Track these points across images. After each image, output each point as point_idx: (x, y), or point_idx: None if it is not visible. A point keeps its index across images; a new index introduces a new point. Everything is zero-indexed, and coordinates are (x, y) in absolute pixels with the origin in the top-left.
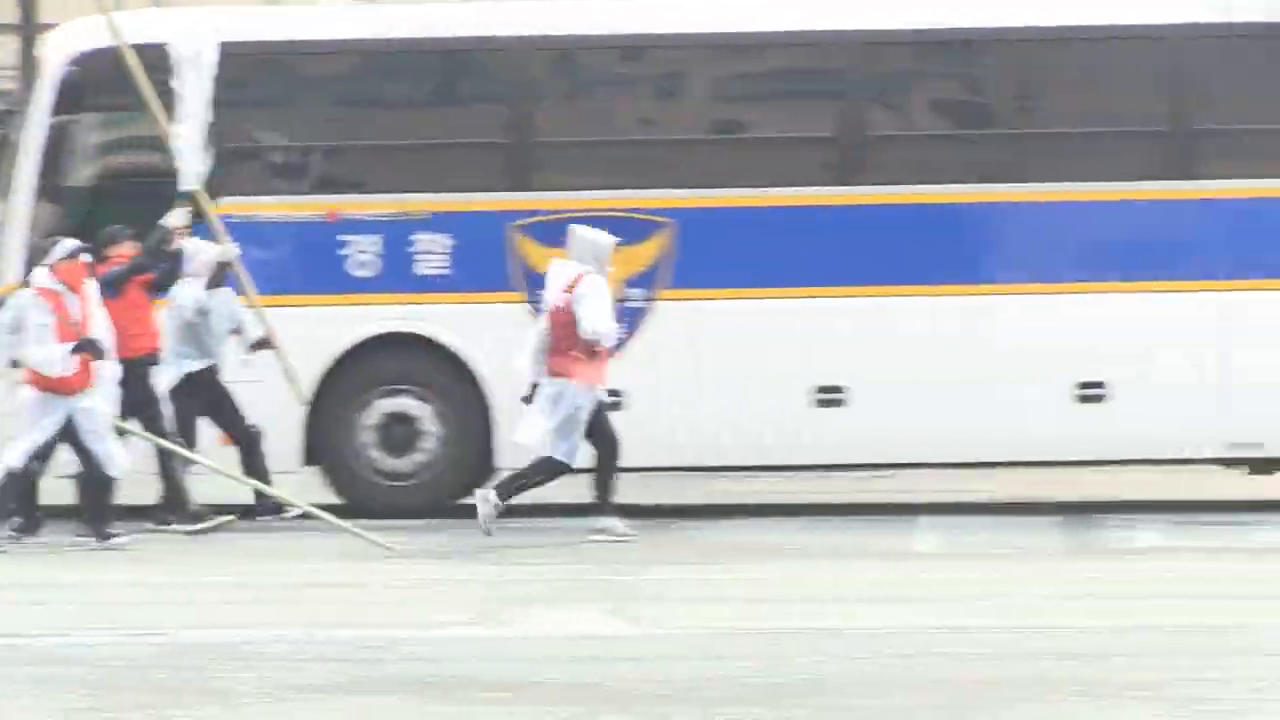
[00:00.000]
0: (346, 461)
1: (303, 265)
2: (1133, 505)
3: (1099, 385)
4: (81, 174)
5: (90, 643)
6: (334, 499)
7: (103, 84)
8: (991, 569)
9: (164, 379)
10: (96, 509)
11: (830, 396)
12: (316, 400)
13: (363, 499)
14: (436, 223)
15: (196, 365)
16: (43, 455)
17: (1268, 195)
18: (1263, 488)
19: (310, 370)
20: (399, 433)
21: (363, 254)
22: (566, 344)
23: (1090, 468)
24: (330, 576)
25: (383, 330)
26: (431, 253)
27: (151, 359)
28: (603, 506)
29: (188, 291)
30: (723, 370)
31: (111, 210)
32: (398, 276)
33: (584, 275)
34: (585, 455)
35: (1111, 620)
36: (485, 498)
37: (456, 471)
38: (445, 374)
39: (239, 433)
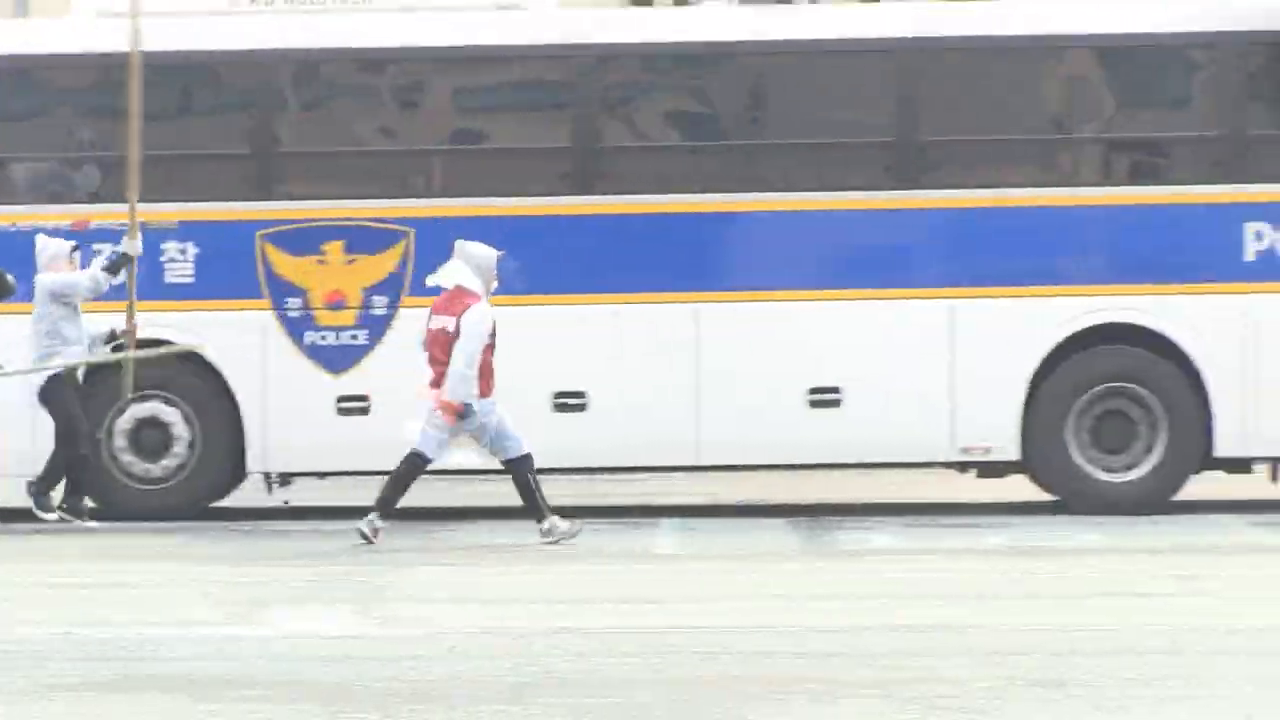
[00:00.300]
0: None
1: None
2: (867, 508)
3: (833, 391)
4: None
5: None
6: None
7: None
8: (730, 570)
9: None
10: None
11: (569, 402)
12: None
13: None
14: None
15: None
16: None
17: (990, 205)
18: (992, 491)
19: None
20: (151, 437)
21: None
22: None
23: (826, 471)
24: (88, 577)
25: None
26: (176, 261)
27: None
28: (541, 510)
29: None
30: None
31: None
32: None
33: (470, 307)
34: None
35: (847, 620)
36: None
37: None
38: (202, 380)
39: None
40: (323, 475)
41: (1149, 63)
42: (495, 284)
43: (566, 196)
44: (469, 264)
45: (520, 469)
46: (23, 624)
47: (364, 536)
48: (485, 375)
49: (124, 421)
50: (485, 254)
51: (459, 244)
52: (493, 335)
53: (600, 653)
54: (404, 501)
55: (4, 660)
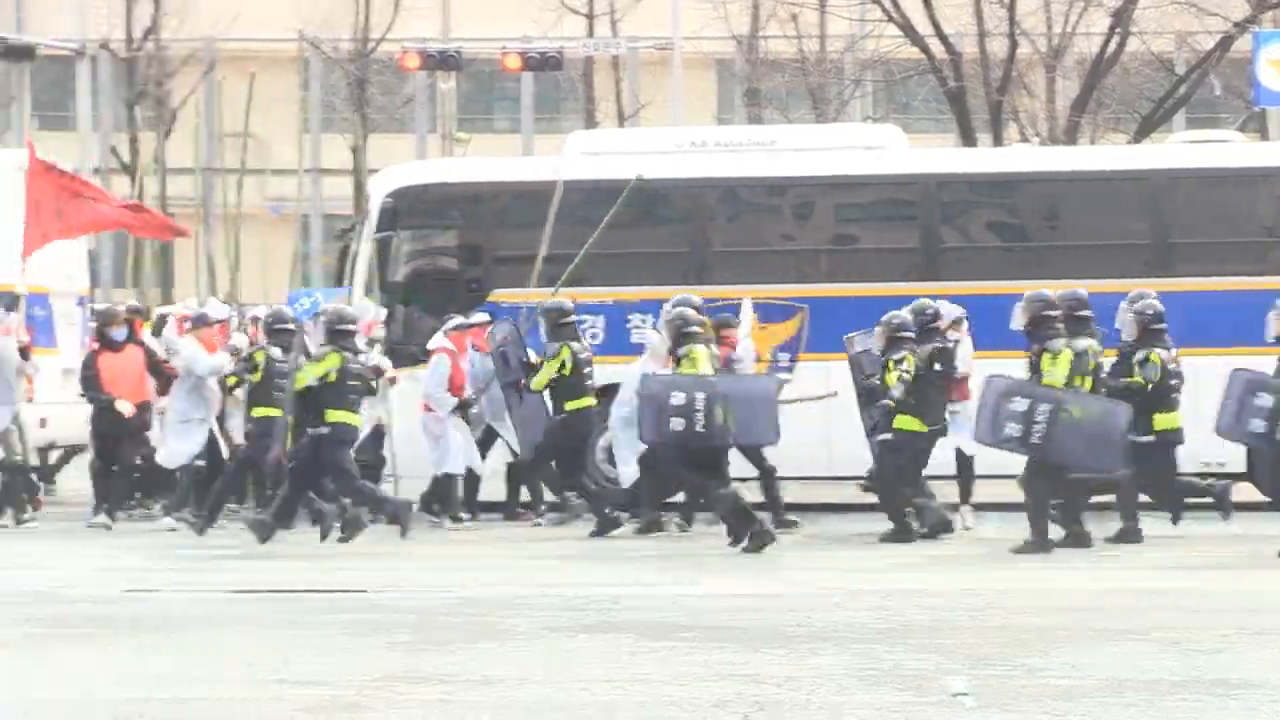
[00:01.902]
0: None
1: None
2: None
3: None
4: (395, 269)
5: (402, 596)
6: None
7: (410, 211)
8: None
9: None
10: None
11: None
12: None
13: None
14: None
15: None
16: None
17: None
18: None
19: None
20: None
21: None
22: None
23: None
24: (572, 548)
25: None
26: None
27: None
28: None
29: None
30: None
31: (415, 299)
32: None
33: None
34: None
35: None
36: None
37: None
38: None
39: None
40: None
41: None
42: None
43: (914, 282)
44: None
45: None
46: (528, 585)
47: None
48: None
49: None
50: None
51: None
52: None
53: (914, 609)
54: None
55: (516, 608)
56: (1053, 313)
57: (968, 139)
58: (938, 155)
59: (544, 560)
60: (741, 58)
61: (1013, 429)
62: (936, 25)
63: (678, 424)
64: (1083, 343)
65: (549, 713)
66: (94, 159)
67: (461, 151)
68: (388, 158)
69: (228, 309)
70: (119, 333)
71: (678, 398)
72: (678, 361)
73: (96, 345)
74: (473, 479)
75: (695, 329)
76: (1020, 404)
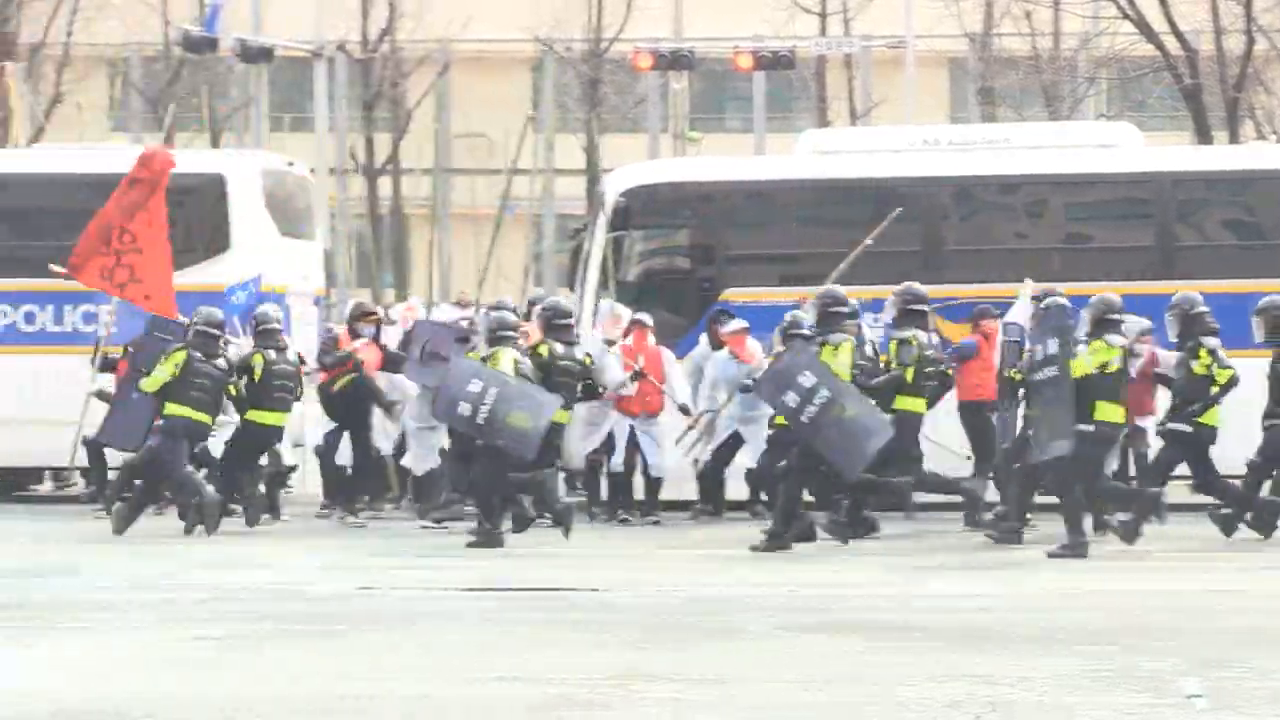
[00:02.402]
0: None
1: None
2: None
3: None
4: (626, 268)
5: (632, 595)
6: None
7: (643, 211)
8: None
9: None
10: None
11: None
12: None
13: None
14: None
15: None
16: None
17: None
18: None
19: None
20: None
21: None
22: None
23: None
24: (799, 547)
25: None
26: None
27: None
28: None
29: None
30: None
31: (646, 299)
32: None
33: None
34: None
35: None
36: None
37: None
38: None
39: None
40: None
41: None
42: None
43: (1148, 281)
44: None
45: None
46: (741, 583)
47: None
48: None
49: None
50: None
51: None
52: None
53: (1136, 610)
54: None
55: (744, 607)
56: None
57: (1203, 137)
58: (1173, 153)
59: (768, 559)
60: (975, 56)
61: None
62: (1171, 22)
63: (464, 409)
64: None
65: (780, 712)
66: (330, 160)
67: (693, 151)
68: (620, 158)
69: (461, 311)
70: (369, 329)
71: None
72: (485, 360)
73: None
74: (655, 480)
75: (509, 333)
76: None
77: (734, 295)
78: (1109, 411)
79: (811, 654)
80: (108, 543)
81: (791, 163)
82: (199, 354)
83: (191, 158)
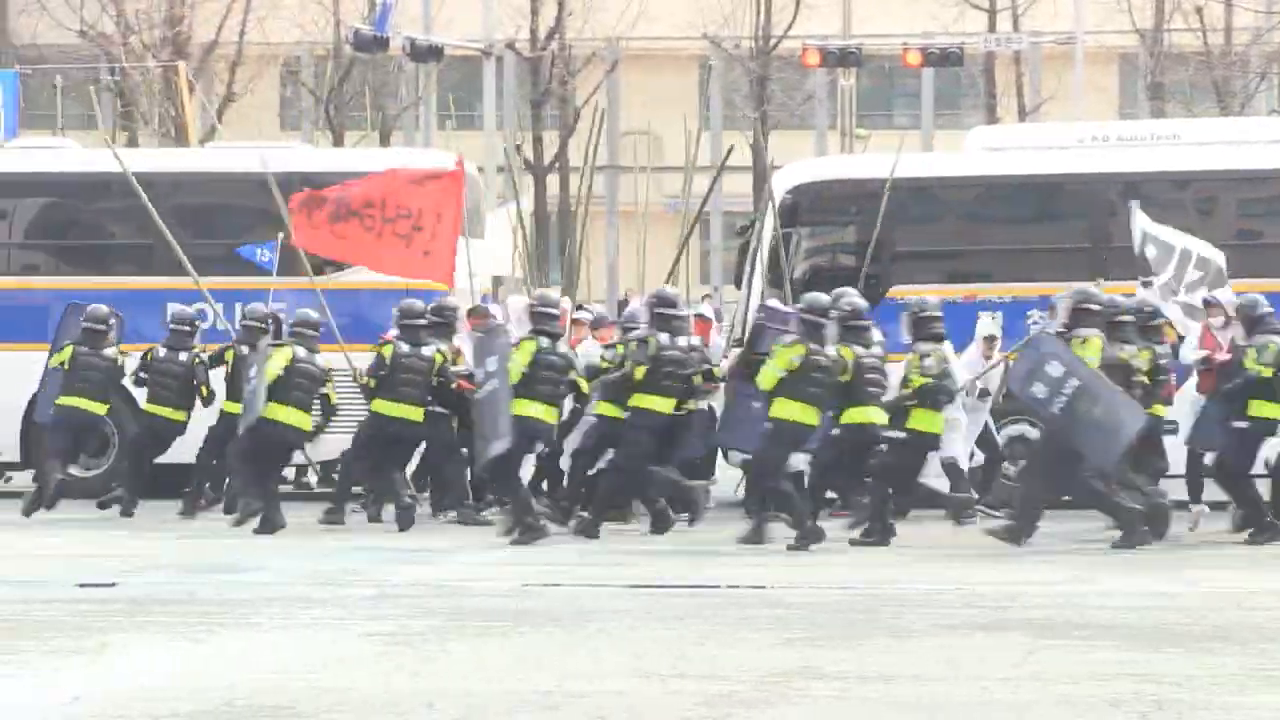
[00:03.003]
0: None
1: None
2: None
3: None
4: (793, 264)
5: (799, 593)
6: None
7: (810, 208)
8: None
9: None
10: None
11: None
12: None
13: None
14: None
15: None
16: None
17: None
18: None
19: None
20: None
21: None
22: None
23: None
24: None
25: None
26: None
27: None
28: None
29: None
30: None
31: (810, 289)
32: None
33: None
34: None
35: None
36: None
37: None
38: None
39: None
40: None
41: None
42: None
43: None
44: None
45: None
46: (908, 581)
47: None
48: None
49: None
50: None
51: None
52: None
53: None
54: None
55: (909, 605)
56: None
57: None
58: None
59: (931, 557)
60: (1145, 51)
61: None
62: None
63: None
64: None
65: (946, 710)
66: (498, 158)
67: (861, 148)
68: (787, 155)
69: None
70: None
71: None
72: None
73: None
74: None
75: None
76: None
77: (901, 292)
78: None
79: (978, 653)
80: (265, 540)
81: (960, 159)
82: (301, 351)
83: (362, 157)
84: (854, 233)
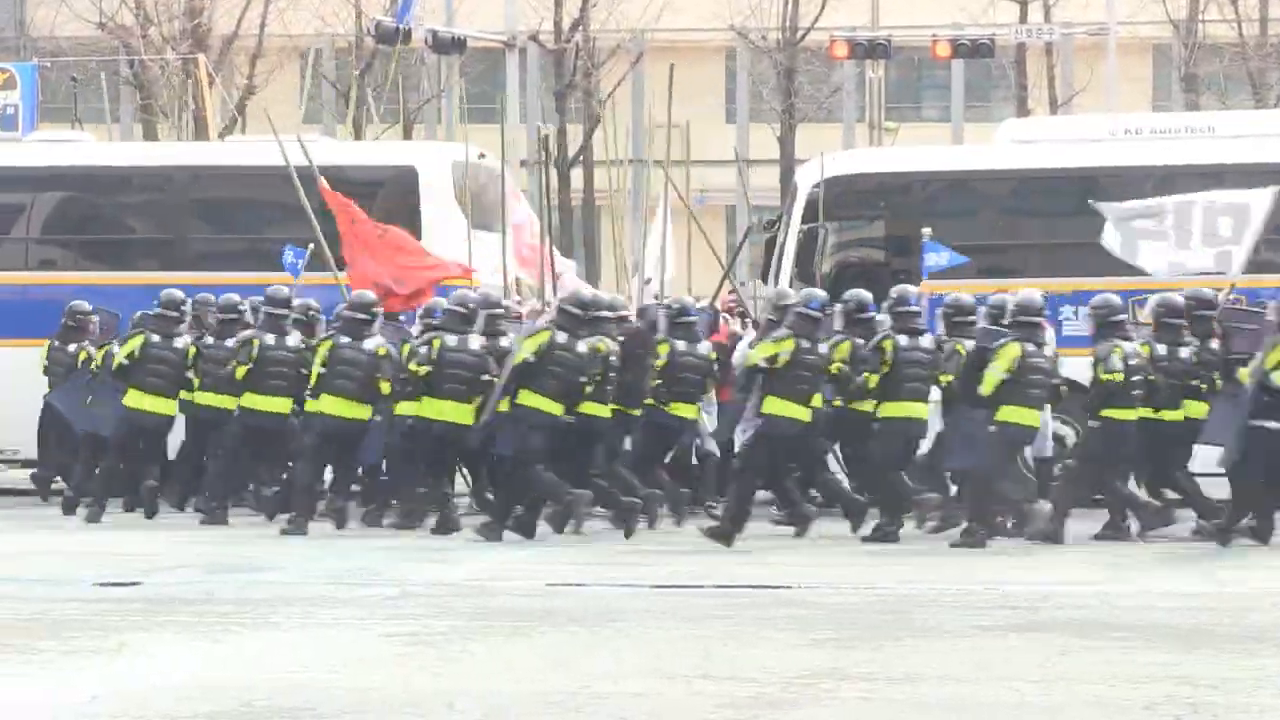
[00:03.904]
0: None
1: None
2: None
3: None
4: (820, 260)
5: (825, 593)
6: None
7: (838, 202)
8: None
9: None
10: None
11: None
12: None
13: None
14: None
15: None
16: None
17: None
18: None
19: None
20: None
21: None
22: None
23: None
24: (996, 544)
25: None
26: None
27: None
28: None
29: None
30: None
31: (840, 291)
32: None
33: None
34: None
35: None
36: None
37: None
38: None
39: None
40: None
41: None
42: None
43: None
44: None
45: None
46: (938, 581)
47: None
48: None
49: None
50: None
51: None
52: None
53: None
54: None
55: (939, 605)
56: None
57: None
58: None
59: (960, 555)
60: (1179, 42)
61: None
62: None
63: None
64: None
65: (976, 712)
66: (521, 151)
67: (890, 141)
68: (815, 148)
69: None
70: None
71: None
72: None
73: None
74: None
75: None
76: None
77: (931, 288)
78: None
79: (1009, 654)
80: (284, 540)
81: (991, 152)
82: (345, 339)
83: (383, 150)
84: (883, 227)
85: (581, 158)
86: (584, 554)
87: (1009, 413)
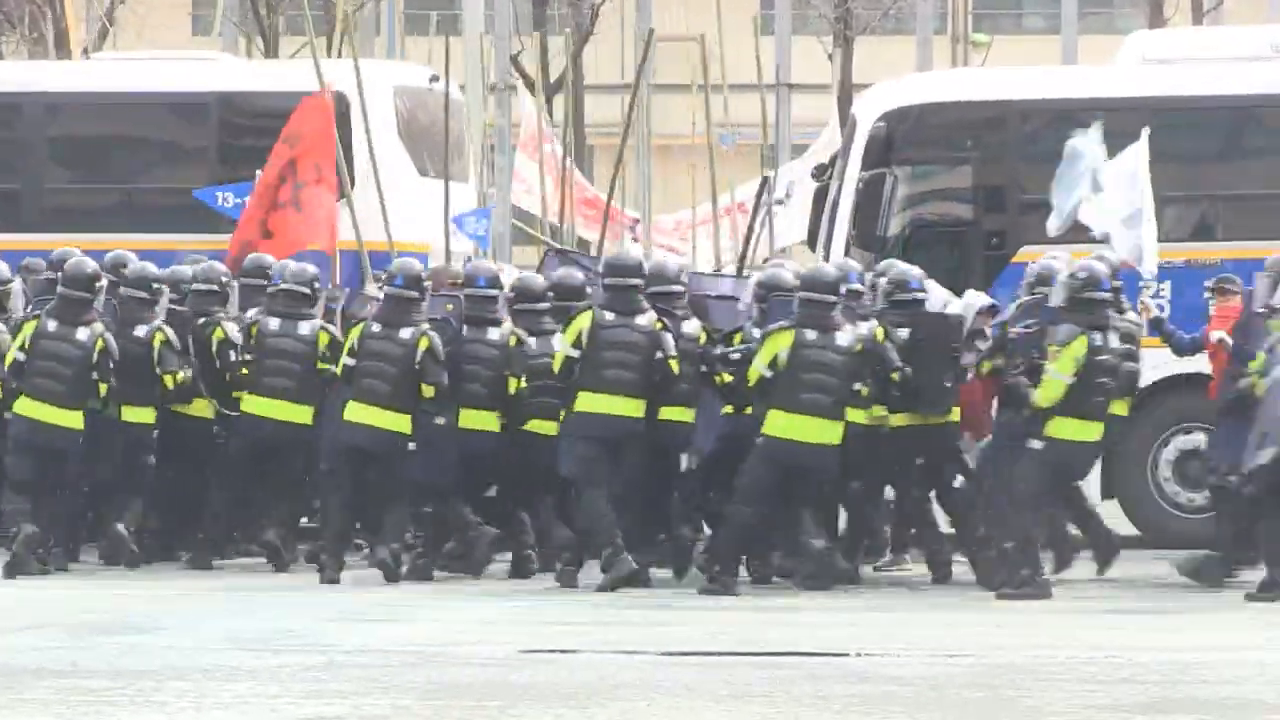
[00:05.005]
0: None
1: None
2: None
3: None
4: (886, 218)
5: (904, 663)
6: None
7: (909, 141)
8: None
9: None
10: None
11: None
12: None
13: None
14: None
15: None
16: None
17: None
18: None
19: None
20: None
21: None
22: None
23: None
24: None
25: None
26: None
27: None
28: None
29: None
30: None
31: (913, 259)
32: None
33: None
34: None
35: None
36: None
37: None
38: None
39: None
40: None
41: None
42: None
43: None
44: None
45: None
46: (1068, 647)
47: None
48: None
49: (1169, 452)
50: None
51: None
52: None
53: None
54: None
55: (1049, 678)
56: None
57: None
58: None
59: (1067, 612)
60: None
61: None
62: None
63: None
64: None
65: None
66: (490, 74)
67: (979, 60)
68: (878, 70)
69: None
70: None
71: None
72: None
73: None
74: None
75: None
76: None
77: (1032, 254)
78: None
79: None
80: (204, 593)
81: (1113, 75)
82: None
83: (302, 72)
84: (969, 175)
85: (569, 81)
86: (571, 610)
87: (1061, 426)
